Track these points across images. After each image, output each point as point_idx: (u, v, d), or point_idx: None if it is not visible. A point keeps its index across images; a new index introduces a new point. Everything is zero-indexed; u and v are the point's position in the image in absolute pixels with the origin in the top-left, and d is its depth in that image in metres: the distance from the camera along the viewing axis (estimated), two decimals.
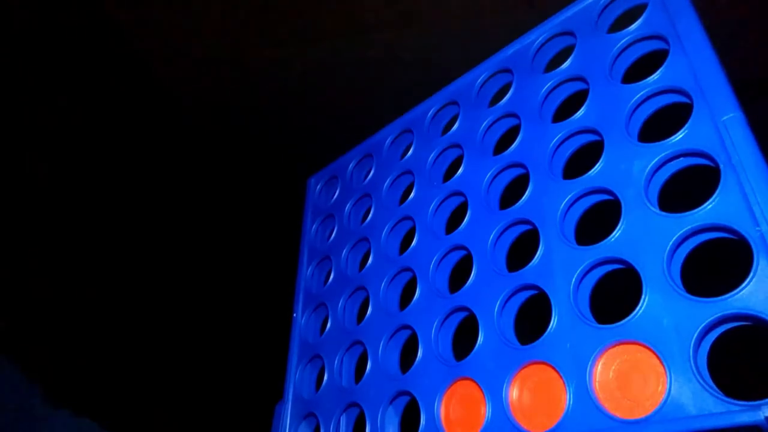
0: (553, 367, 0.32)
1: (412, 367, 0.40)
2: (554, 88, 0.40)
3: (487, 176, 0.41)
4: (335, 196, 0.55)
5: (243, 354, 1.19)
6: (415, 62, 1.00)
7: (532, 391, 0.33)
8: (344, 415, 0.44)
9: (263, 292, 1.16)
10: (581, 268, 0.33)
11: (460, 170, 0.44)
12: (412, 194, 0.47)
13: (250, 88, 1.13)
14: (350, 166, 0.55)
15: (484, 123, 0.43)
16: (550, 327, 0.33)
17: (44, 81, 1.05)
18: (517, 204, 0.38)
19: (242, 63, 1.09)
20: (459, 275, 0.41)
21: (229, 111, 1.21)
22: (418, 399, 0.38)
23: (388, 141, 0.52)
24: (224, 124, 1.24)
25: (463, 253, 0.42)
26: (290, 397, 0.48)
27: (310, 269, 0.54)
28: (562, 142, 0.38)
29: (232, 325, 1.24)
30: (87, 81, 1.10)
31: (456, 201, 0.45)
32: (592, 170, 0.35)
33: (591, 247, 0.33)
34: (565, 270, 0.33)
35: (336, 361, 0.46)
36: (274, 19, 0.99)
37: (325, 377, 0.46)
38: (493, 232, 0.39)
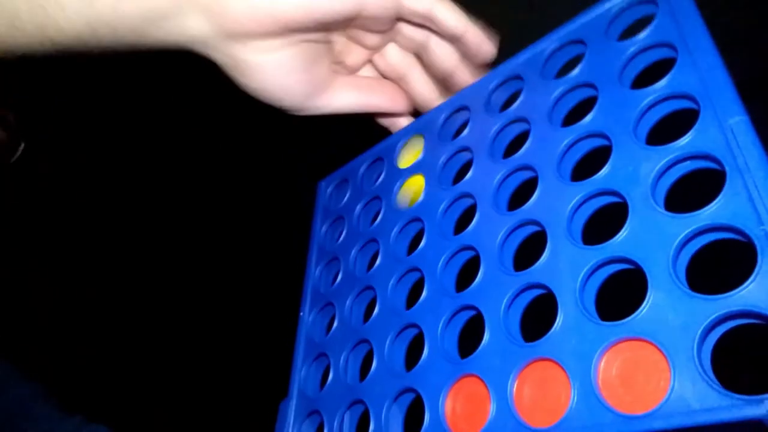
0: (558, 364, 0.32)
1: (418, 365, 0.40)
2: (564, 94, 0.41)
3: (497, 179, 0.42)
4: (345, 199, 0.56)
5: (249, 352, 1.18)
6: None
7: (537, 387, 0.33)
8: (348, 412, 0.44)
9: (269, 292, 1.16)
10: (588, 266, 0.33)
11: (470, 173, 0.45)
12: (421, 196, 0.48)
13: None
14: (361, 169, 0.55)
15: (495, 127, 0.44)
16: (555, 324, 0.33)
17: (44, 79, 1.06)
18: (526, 205, 0.39)
19: None
20: (467, 275, 0.41)
21: (229, 111, 1.21)
22: (422, 396, 0.38)
23: (399, 145, 0.52)
24: (224, 124, 1.24)
25: (471, 253, 0.42)
26: (295, 394, 0.48)
27: (318, 270, 0.54)
28: (571, 145, 0.39)
29: (238, 324, 1.24)
30: (87, 80, 1.11)
31: (465, 203, 0.45)
32: (600, 172, 0.35)
33: (598, 246, 0.33)
34: (571, 269, 0.34)
35: (341, 359, 0.46)
36: None
37: (330, 375, 0.46)
38: (501, 233, 0.39)
